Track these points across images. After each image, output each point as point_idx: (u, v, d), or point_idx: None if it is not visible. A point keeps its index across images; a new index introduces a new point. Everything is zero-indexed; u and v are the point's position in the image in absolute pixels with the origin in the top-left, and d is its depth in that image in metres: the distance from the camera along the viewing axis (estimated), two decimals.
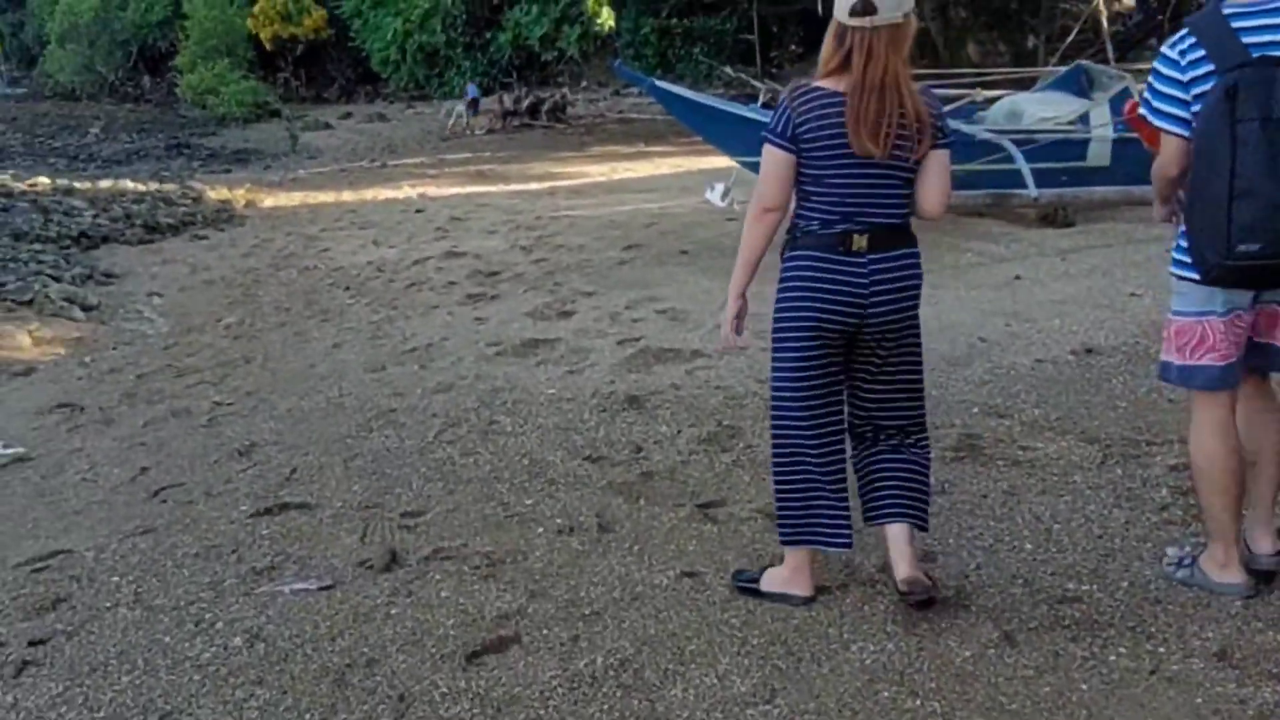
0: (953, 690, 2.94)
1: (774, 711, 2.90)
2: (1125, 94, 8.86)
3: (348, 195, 14.68)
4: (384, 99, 28.24)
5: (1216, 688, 2.89)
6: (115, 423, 6.00)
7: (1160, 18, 18.12)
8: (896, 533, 3.35)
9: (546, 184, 14.35)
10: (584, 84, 26.80)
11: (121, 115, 28.25)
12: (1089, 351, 5.62)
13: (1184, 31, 3.14)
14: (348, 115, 25.69)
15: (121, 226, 12.53)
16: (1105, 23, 14.37)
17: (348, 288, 9.12)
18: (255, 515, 4.39)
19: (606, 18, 19.43)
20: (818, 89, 3.19)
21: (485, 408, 5.46)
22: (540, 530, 4.06)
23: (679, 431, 4.94)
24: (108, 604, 3.75)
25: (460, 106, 22.41)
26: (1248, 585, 3.29)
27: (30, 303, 8.77)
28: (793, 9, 21.64)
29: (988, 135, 8.63)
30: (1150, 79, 3.21)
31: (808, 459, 3.32)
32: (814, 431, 3.31)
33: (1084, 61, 11.17)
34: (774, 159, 3.24)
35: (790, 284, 3.28)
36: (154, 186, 15.13)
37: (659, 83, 10.13)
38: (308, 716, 3.03)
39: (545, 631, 3.35)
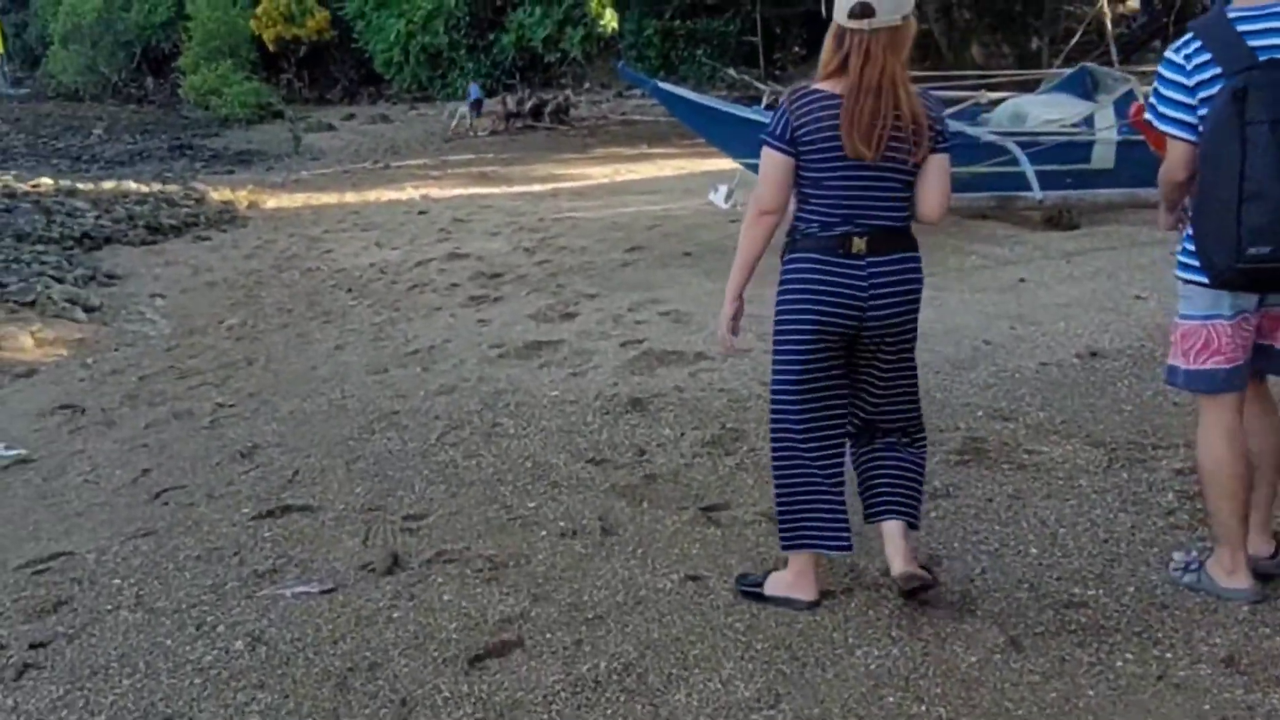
0: (958, 696, 2.92)
1: (778, 717, 2.89)
2: (1130, 96, 8.85)
3: (350, 196, 14.67)
4: (387, 100, 28.21)
5: (1224, 694, 2.87)
6: (117, 424, 5.99)
7: (1165, 20, 18.10)
8: (892, 529, 3.36)
9: (549, 186, 14.34)
10: (587, 86, 26.78)
11: (124, 116, 28.22)
12: (1094, 355, 5.61)
13: (1188, 36, 3.13)
14: (351, 116, 25.66)
15: (124, 228, 12.51)
16: (1109, 25, 14.34)
17: (350, 289, 9.10)
18: (257, 518, 4.38)
19: (610, 19, 19.41)
20: (816, 91, 3.19)
21: (488, 410, 5.45)
22: (543, 533, 4.05)
23: (682, 434, 4.92)
24: (109, 606, 3.74)
25: (463, 108, 22.39)
26: (1255, 590, 3.27)
27: (32, 304, 8.76)
28: (796, 11, 21.62)
29: (992, 137, 8.61)
30: (1155, 84, 3.20)
31: (807, 461, 3.32)
32: (812, 434, 3.31)
33: (1089, 64, 11.16)
34: (772, 161, 3.25)
35: (790, 286, 3.29)
36: (157, 188, 15.11)
37: (662, 84, 10.13)
38: None
39: (548, 635, 3.34)
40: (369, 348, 7.05)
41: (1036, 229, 8.97)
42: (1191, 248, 3.18)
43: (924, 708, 2.89)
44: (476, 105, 22.33)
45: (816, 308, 3.22)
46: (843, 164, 3.16)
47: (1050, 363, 5.53)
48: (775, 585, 3.43)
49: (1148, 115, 3.26)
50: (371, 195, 14.69)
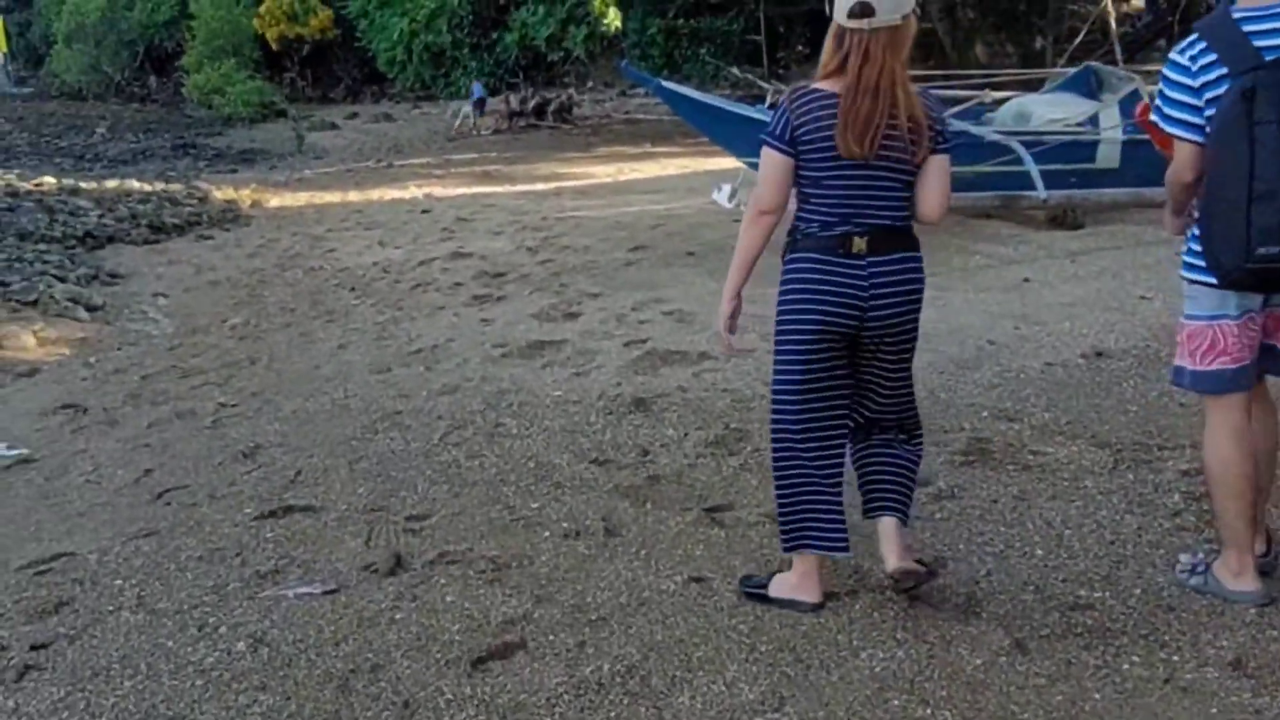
0: (964, 699, 2.90)
1: None
2: (1135, 96, 8.84)
3: (354, 195, 14.67)
4: (390, 99, 28.22)
5: (1231, 697, 2.85)
6: (119, 424, 5.99)
7: (1170, 19, 18.07)
8: (887, 525, 3.37)
9: (552, 185, 14.33)
10: (590, 84, 26.78)
11: (128, 115, 28.25)
12: (1099, 355, 5.59)
13: (1193, 37, 3.12)
14: (354, 115, 25.68)
15: (127, 226, 12.52)
16: (1113, 24, 14.31)
17: (353, 288, 9.10)
18: (259, 518, 4.37)
19: (613, 18, 19.39)
20: (816, 91, 3.19)
21: (491, 410, 5.43)
22: (546, 534, 4.03)
23: (686, 434, 4.91)
24: (110, 607, 3.72)
25: (467, 107, 22.37)
26: (1262, 593, 3.25)
27: (35, 303, 8.77)
28: (800, 10, 21.59)
29: (996, 137, 8.59)
30: (1160, 86, 3.18)
31: (806, 462, 3.32)
32: (812, 435, 3.31)
33: (1093, 63, 11.14)
34: (772, 161, 3.25)
35: (791, 287, 3.28)
36: (160, 186, 15.12)
37: (665, 83, 10.12)
38: None
39: (551, 637, 3.32)
40: (372, 347, 7.04)
41: (1041, 228, 8.95)
42: (1197, 248, 3.17)
43: (929, 711, 2.87)
44: (480, 104, 22.31)
45: (817, 308, 3.22)
46: (842, 163, 3.15)
47: (1055, 363, 5.51)
48: (779, 587, 3.42)
49: (1153, 117, 3.25)
50: (374, 194, 14.69)
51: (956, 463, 4.37)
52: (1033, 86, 11.30)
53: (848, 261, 3.19)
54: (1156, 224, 6.47)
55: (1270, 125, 2.89)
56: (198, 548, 4.14)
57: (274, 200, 14.71)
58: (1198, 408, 3.83)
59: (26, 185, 14.46)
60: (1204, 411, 3.37)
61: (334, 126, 23.99)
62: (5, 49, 37.01)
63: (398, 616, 3.51)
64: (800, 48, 23.80)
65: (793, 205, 3.31)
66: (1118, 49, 13.10)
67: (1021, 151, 8.21)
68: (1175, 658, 3.03)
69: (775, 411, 3.36)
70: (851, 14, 3.10)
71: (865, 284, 3.19)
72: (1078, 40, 15.86)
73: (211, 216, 13.39)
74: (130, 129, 25.14)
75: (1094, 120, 9.15)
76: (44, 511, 4.76)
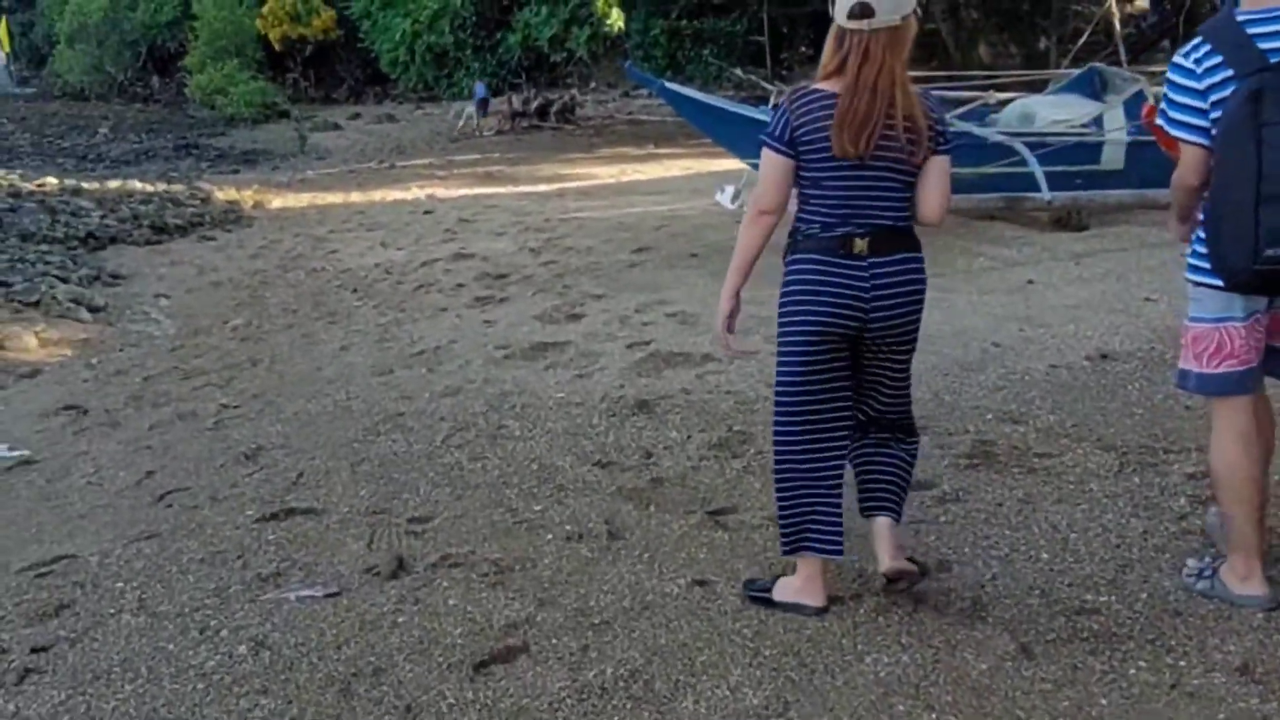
0: (969, 704, 2.88)
1: None
2: (1140, 97, 8.82)
3: (356, 196, 14.66)
4: (393, 100, 28.23)
5: (1239, 703, 2.83)
6: (121, 425, 5.97)
7: (1174, 20, 18.04)
8: (881, 525, 3.38)
9: (555, 186, 14.32)
10: (593, 85, 26.77)
11: (130, 115, 28.28)
12: (1104, 357, 5.56)
13: (1198, 40, 3.10)
14: (356, 116, 25.69)
15: (129, 227, 12.52)
16: (1117, 25, 14.29)
17: (355, 290, 9.08)
18: (261, 520, 4.35)
19: (616, 19, 19.41)
20: (816, 91, 3.19)
21: (494, 412, 5.42)
22: (549, 537, 4.01)
23: (689, 437, 4.89)
24: (111, 610, 3.71)
25: (470, 108, 22.37)
26: (1270, 597, 3.23)
27: (37, 304, 8.76)
28: (803, 10, 21.58)
29: (1000, 138, 8.57)
30: (1165, 90, 3.17)
31: (807, 462, 3.32)
32: (814, 435, 3.31)
33: (1098, 64, 11.12)
34: (771, 162, 3.25)
35: (792, 288, 3.28)
36: (162, 187, 15.12)
37: (669, 84, 10.10)
38: None
39: (554, 641, 3.30)
40: (374, 349, 7.03)
41: (1045, 230, 8.92)
42: (1202, 250, 3.15)
43: (934, 716, 2.85)
44: (482, 105, 22.31)
45: (819, 309, 3.21)
46: (840, 164, 3.15)
47: (1060, 365, 5.49)
48: (783, 591, 3.41)
49: (1160, 120, 3.23)
50: (377, 195, 14.68)
51: (961, 465, 4.36)
52: (1036, 87, 11.27)
53: (849, 262, 3.19)
54: (1161, 226, 6.47)
55: (1278, 127, 2.87)
56: (199, 550, 4.13)
57: (276, 201, 14.71)
58: (1203, 411, 3.82)
59: (29, 186, 14.45)
60: (1210, 415, 3.35)
61: (336, 127, 24.00)
62: (8, 49, 37.07)
63: (400, 620, 3.49)
64: (804, 49, 23.78)
65: (793, 206, 3.31)
66: (1122, 50, 13.08)
67: (1026, 153, 8.19)
68: (1182, 663, 3.01)
69: (778, 413, 3.36)
70: (851, 15, 3.10)
71: (867, 285, 3.18)
72: (1081, 41, 15.84)
73: (214, 217, 13.38)
74: (133, 129, 25.17)
75: (1099, 121, 9.13)
76: (45, 513, 4.75)
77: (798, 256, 3.27)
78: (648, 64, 20.72)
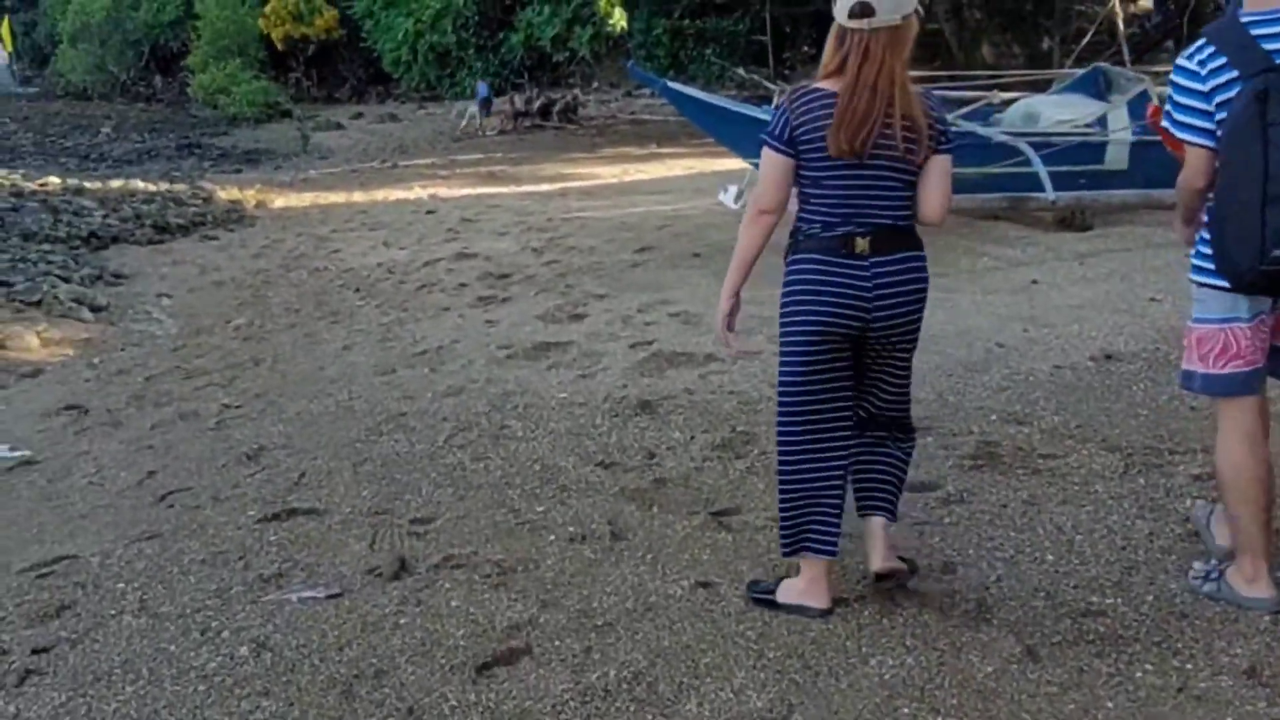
0: (974, 707, 2.87)
1: None
2: (1144, 97, 8.79)
3: (358, 196, 14.64)
4: (395, 99, 28.18)
5: (1246, 706, 2.82)
6: (123, 425, 5.96)
7: (1179, 20, 18.01)
8: (874, 524, 3.40)
9: (558, 185, 14.29)
10: (596, 85, 26.73)
11: (133, 115, 28.25)
12: (1108, 358, 5.55)
13: (1202, 41, 3.10)
14: (359, 115, 25.65)
15: (131, 227, 12.49)
16: (1121, 24, 14.26)
17: (358, 289, 9.07)
18: (263, 521, 4.34)
19: (619, 18, 19.36)
20: (816, 90, 3.19)
21: (496, 412, 5.40)
22: (552, 538, 4.00)
23: (692, 437, 4.87)
24: (112, 611, 3.70)
25: (472, 107, 22.33)
26: (1277, 600, 3.21)
27: (39, 303, 8.75)
28: (806, 10, 21.54)
29: (1004, 138, 8.54)
30: (1170, 92, 3.17)
31: (809, 462, 3.31)
32: (816, 435, 3.30)
33: (1102, 64, 11.09)
34: (771, 162, 3.25)
35: (794, 287, 3.28)
36: (164, 186, 15.10)
37: (671, 84, 10.07)
38: None
39: (557, 643, 3.29)
40: (376, 348, 7.02)
41: (1049, 230, 8.89)
42: (1207, 250, 3.14)
43: (939, 719, 2.83)
44: (485, 104, 22.26)
45: (820, 308, 3.21)
46: (839, 163, 3.15)
47: (1064, 366, 5.47)
48: (787, 593, 3.39)
49: (1165, 123, 3.22)
50: (379, 194, 14.66)
51: (965, 467, 4.34)
52: (1040, 87, 11.24)
53: (851, 262, 3.18)
54: (1166, 226, 6.44)
55: None
56: (201, 551, 4.12)
57: (279, 200, 14.68)
58: (1209, 412, 3.80)
59: (31, 185, 14.43)
60: (1215, 415, 3.33)
61: (339, 127, 23.96)
62: (11, 49, 37.07)
63: (402, 621, 3.48)
64: (806, 48, 23.74)
65: (794, 206, 3.30)
66: (1125, 50, 13.05)
67: (1030, 153, 8.17)
68: (1189, 666, 3.00)
69: (780, 413, 3.35)
70: (852, 14, 3.11)
71: (869, 284, 3.18)
72: (1085, 41, 15.79)
73: (216, 217, 13.36)
74: (135, 129, 25.14)
75: (1103, 121, 9.09)
76: (46, 514, 4.74)
77: (799, 256, 3.27)
78: (650, 63, 20.68)
